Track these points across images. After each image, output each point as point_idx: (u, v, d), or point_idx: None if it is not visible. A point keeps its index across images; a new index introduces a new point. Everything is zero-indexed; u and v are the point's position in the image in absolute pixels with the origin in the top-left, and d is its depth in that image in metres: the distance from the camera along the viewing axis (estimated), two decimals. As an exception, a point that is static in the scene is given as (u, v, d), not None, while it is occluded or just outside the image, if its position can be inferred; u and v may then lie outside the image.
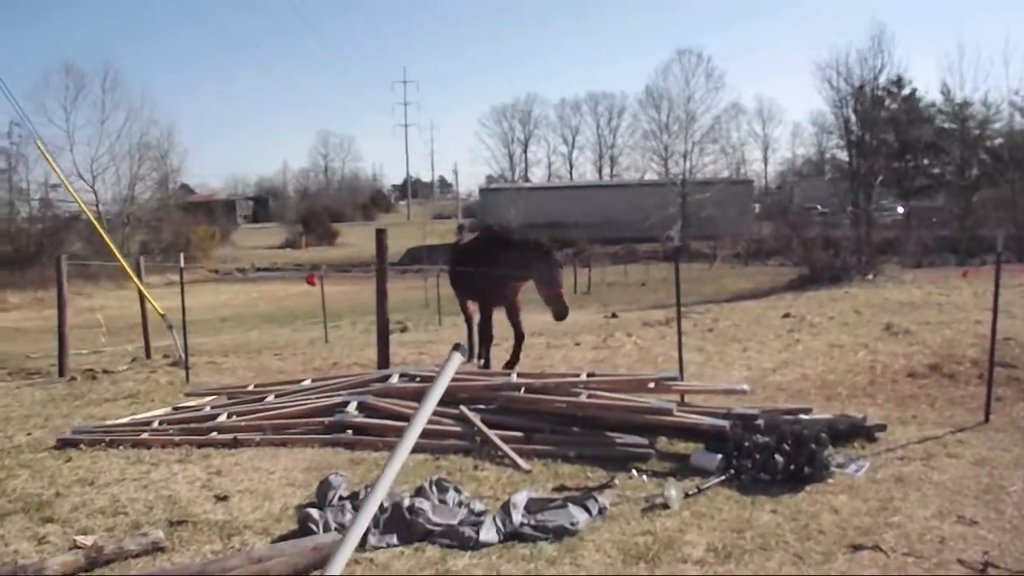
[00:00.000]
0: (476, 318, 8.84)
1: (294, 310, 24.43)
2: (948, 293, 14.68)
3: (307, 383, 6.98)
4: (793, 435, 4.68)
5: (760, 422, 5.18)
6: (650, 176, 58.51)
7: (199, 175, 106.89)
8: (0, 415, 7.41)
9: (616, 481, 4.60)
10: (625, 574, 3.48)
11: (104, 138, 49.99)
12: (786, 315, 12.50)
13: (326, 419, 5.84)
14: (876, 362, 8.12)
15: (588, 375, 6.12)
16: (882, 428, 5.48)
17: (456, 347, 3.60)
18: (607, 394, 5.67)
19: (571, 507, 4.03)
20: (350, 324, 17.88)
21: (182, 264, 10.38)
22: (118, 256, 11.68)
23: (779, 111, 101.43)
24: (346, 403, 5.97)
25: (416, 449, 4.71)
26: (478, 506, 4.17)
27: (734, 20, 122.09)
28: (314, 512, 4.01)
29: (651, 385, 5.88)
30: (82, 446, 5.74)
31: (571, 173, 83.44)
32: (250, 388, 7.23)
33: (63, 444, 5.86)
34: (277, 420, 5.97)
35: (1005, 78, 67.37)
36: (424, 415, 3.32)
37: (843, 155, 43.82)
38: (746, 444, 4.77)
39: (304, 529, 3.94)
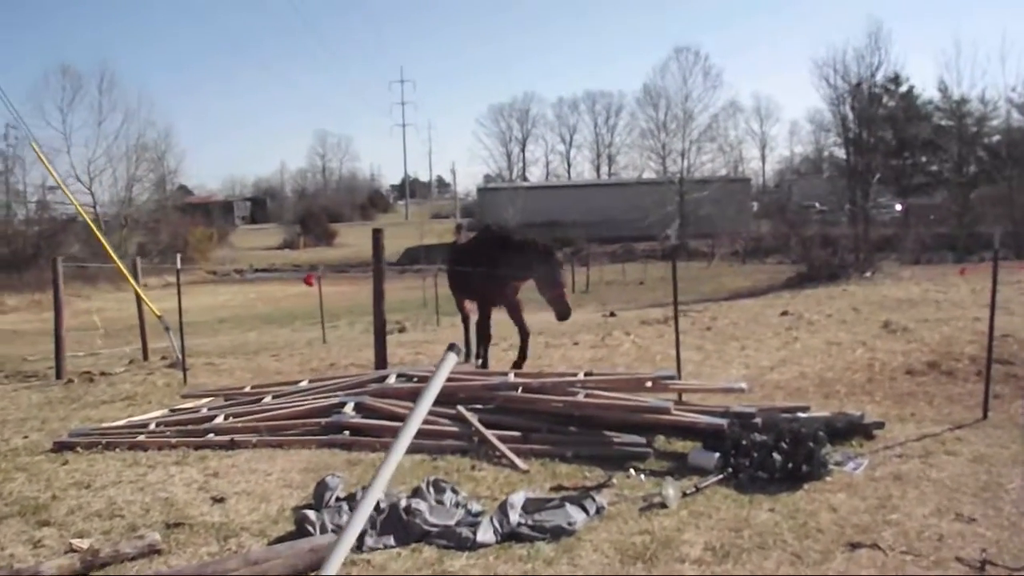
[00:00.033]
0: (473, 318, 8.83)
1: (292, 311, 24.41)
2: (946, 290, 14.70)
3: (304, 384, 6.98)
4: (791, 433, 4.68)
5: (758, 420, 5.18)
6: (648, 175, 58.51)
7: (197, 176, 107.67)
8: (-3, 418, 7.38)
9: (614, 480, 4.59)
10: (623, 574, 3.47)
11: (101, 140, 50.09)
12: (784, 313, 12.51)
13: (323, 420, 5.83)
14: (874, 360, 8.12)
15: (586, 374, 6.13)
16: (880, 426, 5.47)
17: (451, 347, 3.59)
18: (604, 393, 5.66)
19: (568, 507, 4.02)
20: (348, 324, 17.88)
21: (179, 266, 10.38)
22: (114, 258, 11.64)
23: (777, 109, 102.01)
24: (343, 404, 5.95)
25: (413, 449, 4.72)
26: (475, 506, 4.15)
27: (732, 18, 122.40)
28: (311, 513, 4.00)
29: (649, 384, 5.89)
30: (79, 449, 5.72)
31: (569, 172, 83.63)
32: (247, 389, 7.22)
33: (60, 447, 5.84)
34: (274, 421, 5.95)
35: (1002, 75, 67.83)
36: (419, 415, 3.31)
37: (841, 153, 43.83)
38: (744, 443, 4.76)
39: (301, 531, 3.92)
